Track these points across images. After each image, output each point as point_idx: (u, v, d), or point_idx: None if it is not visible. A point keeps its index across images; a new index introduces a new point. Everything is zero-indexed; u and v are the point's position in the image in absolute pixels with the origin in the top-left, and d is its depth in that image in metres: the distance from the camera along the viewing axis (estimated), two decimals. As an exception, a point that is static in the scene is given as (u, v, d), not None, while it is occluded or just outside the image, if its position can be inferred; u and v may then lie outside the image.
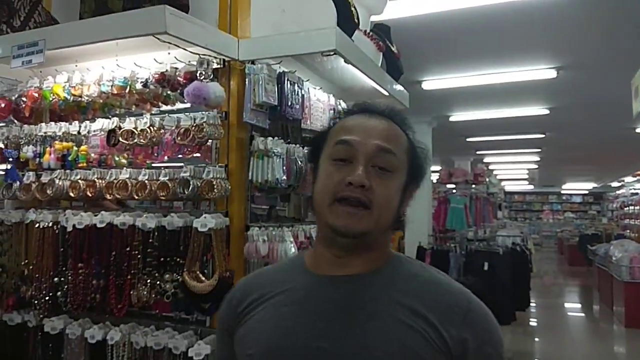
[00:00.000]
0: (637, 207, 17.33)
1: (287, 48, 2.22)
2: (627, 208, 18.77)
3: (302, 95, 2.45)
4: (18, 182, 2.52)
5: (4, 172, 2.61)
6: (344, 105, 2.97)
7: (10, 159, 2.56)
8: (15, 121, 2.64)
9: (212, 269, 2.11)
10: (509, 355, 5.64)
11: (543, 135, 9.56)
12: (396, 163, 0.96)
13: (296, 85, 2.39)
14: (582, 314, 9.29)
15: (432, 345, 0.87)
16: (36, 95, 2.46)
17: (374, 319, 0.90)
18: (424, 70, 5.82)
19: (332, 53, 2.20)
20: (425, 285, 0.95)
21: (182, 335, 2.15)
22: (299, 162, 2.42)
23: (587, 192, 23.57)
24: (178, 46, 2.12)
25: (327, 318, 0.92)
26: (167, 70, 2.23)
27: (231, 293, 1.09)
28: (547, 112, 7.58)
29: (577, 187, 22.84)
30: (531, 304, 7.80)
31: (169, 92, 2.31)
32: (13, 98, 2.53)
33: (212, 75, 2.14)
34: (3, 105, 2.53)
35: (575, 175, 19.02)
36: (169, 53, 2.25)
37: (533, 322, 7.92)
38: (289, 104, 2.33)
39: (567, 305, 10.03)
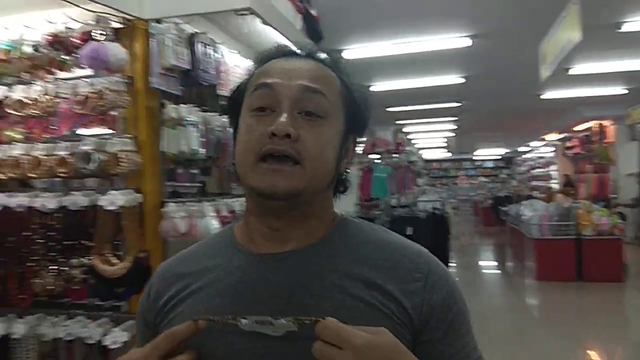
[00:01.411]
0: (543, 170, 18.70)
1: (197, 5, 2.05)
2: (535, 170, 20.22)
3: (217, 59, 2.29)
4: None
5: None
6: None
7: None
8: None
9: (125, 251, 1.95)
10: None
11: (460, 104, 9.92)
12: (327, 106, 0.80)
13: (209, 47, 2.22)
14: (498, 270, 9.91)
15: (393, 319, 0.76)
16: None
17: (322, 299, 0.76)
18: (345, 39, 5.76)
19: (247, 12, 2.06)
20: (377, 251, 0.82)
21: (95, 324, 1.99)
22: (218, 132, 2.28)
23: (499, 157, 25.05)
24: (72, 3, 1.88)
25: (268, 306, 0.76)
26: (60, 31, 1.98)
27: (150, 282, 0.91)
28: (463, 80, 7.82)
29: (489, 153, 24.21)
30: (451, 264, 8.17)
31: (64, 57, 2.06)
32: None
33: (112, 36, 1.92)
34: None
35: (488, 142, 20.09)
36: (63, 13, 2.00)
37: (454, 282, 8.33)
38: (202, 68, 2.17)
39: (482, 262, 10.66)
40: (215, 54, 2.27)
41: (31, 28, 2.06)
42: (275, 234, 0.82)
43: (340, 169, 0.85)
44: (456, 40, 5.70)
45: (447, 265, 6.22)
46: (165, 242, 2.12)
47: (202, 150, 2.12)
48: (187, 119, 2.06)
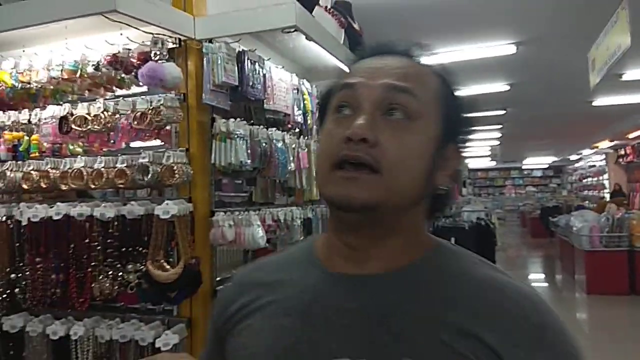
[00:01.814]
0: (595, 179, 17.99)
1: (245, 25, 2.15)
2: (586, 180, 19.48)
3: (264, 75, 2.38)
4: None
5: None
6: (307, 85, 2.91)
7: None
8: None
9: (177, 257, 2.05)
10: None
11: (504, 112, 9.73)
12: (416, 107, 0.69)
13: (257, 64, 2.32)
14: (546, 284, 9.61)
15: None
16: (-21, 82, 2.31)
17: (404, 341, 0.65)
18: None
19: (292, 30, 2.14)
20: (478, 290, 0.67)
21: (148, 327, 2.09)
22: (264, 144, 2.37)
23: (547, 166, 24.27)
24: (130, 25, 2.02)
25: (340, 337, 0.67)
26: (119, 52, 2.13)
27: (223, 288, 0.88)
28: (508, 88, 7.70)
29: (537, 162, 23.50)
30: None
31: (123, 75, 2.21)
32: (-45, 86, 2.37)
33: (167, 56, 2.05)
34: (-54, 94, 2.37)
35: (536, 150, 19.54)
36: (121, 34, 2.14)
37: (500, 294, 8.14)
38: (250, 83, 2.26)
39: (531, 275, 10.35)
40: (262, 70, 2.37)
41: (92, 49, 2.21)
42: (353, 253, 0.71)
43: (435, 183, 0.72)
44: (500, 47, 5.64)
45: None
46: (214, 249, 2.22)
47: (249, 162, 2.20)
48: (236, 132, 2.16)
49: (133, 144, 2.30)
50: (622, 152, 14.43)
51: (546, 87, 7.80)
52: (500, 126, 11.83)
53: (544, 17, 4.88)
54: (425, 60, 0.76)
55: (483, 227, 6.29)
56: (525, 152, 20.29)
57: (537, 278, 10.18)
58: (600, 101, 9.10)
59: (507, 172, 24.75)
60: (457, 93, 0.76)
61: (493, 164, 23.03)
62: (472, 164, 21.34)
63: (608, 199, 12.25)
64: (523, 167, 24.51)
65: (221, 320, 0.80)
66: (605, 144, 14.76)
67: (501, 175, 24.81)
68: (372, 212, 0.67)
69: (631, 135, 12.51)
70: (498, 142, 15.20)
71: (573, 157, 20.72)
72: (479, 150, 17.48)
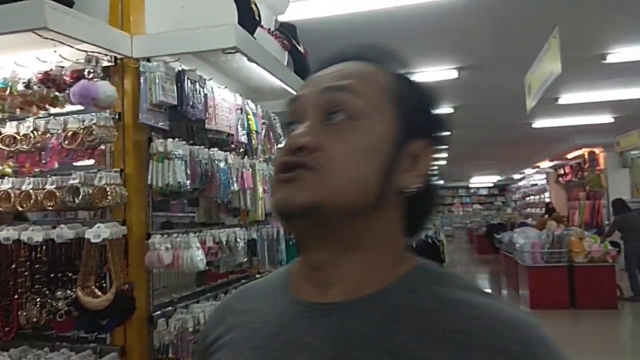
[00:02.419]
0: (537, 197, 18.82)
1: (184, 45, 2.13)
2: (528, 198, 20.34)
3: (205, 95, 2.36)
4: None
5: None
6: (252, 105, 2.91)
7: None
8: None
9: (110, 282, 1.97)
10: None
11: (449, 133, 10.05)
12: (359, 105, 0.64)
13: (197, 83, 2.29)
14: (492, 300, 9.88)
15: None
16: None
17: None
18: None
19: (233, 51, 2.14)
20: (454, 317, 0.58)
21: (79, 356, 1.99)
22: (205, 164, 2.33)
23: (492, 184, 25.22)
24: (63, 43, 1.95)
25: None
26: (51, 70, 2.05)
27: (210, 315, 0.83)
28: (452, 110, 7.98)
29: (483, 181, 24.38)
30: (446, 294, 8.12)
31: (56, 94, 2.13)
32: None
33: (102, 74, 1.99)
34: None
35: (481, 169, 20.28)
36: (54, 51, 2.07)
37: (448, 311, 8.30)
38: (191, 103, 2.23)
39: (478, 292, 10.62)
40: (203, 90, 2.34)
41: (23, 66, 2.12)
42: (316, 274, 0.65)
43: (400, 184, 0.65)
44: (443, 72, 5.85)
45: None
46: (150, 272, 2.15)
47: (188, 183, 2.16)
48: (174, 152, 2.12)
49: (66, 165, 2.21)
50: (562, 171, 15.16)
51: (488, 110, 8.14)
52: (446, 147, 12.19)
53: (484, 43, 5.11)
54: (377, 57, 0.71)
55: (430, 245, 6.41)
56: (471, 171, 21.02)
57: (483, 294, 10.45)
58: (540, 123, 9.58)
59: (455, 190, 25.52)
60: (417, 87, 0.71)
61: (441, 182, 23.67)
62: (421, 182, 21.89)
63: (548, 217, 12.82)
64: (470, 185, 25.34)
65: (201, 348, 0.76)
66: (546, 164, 15.51)
67: (449, 194, 25.55)
68: (316, 215, 0.60)
69: (569, 156, 13.21)
70: (445, 162, 15.64)
71: (516, 176, 21.63)
72: (428, 170, 17.94)
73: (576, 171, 13.63)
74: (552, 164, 15.24)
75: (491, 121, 9.16)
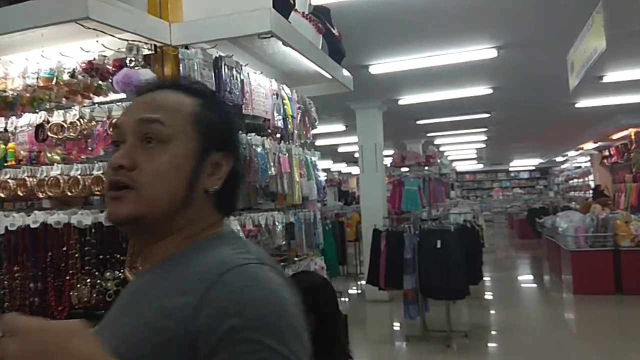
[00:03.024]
0: (581, 180, 18.20)
1: (220, 31, 2.16)
2: (572, 181, 19.69)
3: (242, 80, 2.39)
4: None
5: None
6: (287, 90, 2.93)
7: None
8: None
9: (155, 263, 2.04)
10: (465, 329, 5.80)
11: (488, 115, 9.82)
12: (167, 132, 0.83)
13: (234, 70, 2.33)
14: (534, 284, 9.68)
15: (162, 334, 0.73)
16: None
17: (127, 315, 0.81)
18: (370, 55, 5.84)
19: (268, 35, 2.15)
20: (202, 265, 0.78)
21: (128, 334, 2.08)
22: (242, 149, 2.37)
23: (533, 167, 24.52)
24: (105, 32, 2.01)
25: (110, 317, 0.87)
26: (94, 59, 2.13)
27: None
28: (491, 91, 7.77)
29: (524, 164, 23.72)
30: (485, 278, 8.05)
31: (99, 82, 2.20)
32: None
33: (143, 62, 2.05)
34: None
35: (522, 152, 19.72)
36: (97, 41, 2.14)
37: (488, 295, 8.19)
38: (228, 89, 2.27)
39: (519, 277, 10.43)
40: (240, 75, 2.38)
41: (68, 57, 2.20)
42: (142, 253, 0.90)
43: (204, 186, 0.86)
44: (482, 52, 5.70)
45: (480, 279, 6.03)
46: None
47: (227, 167, 2.21)
48: (213, 137, 2.16)
49: (111, 152, 2.29)
50: (607, 153, 14.60)
51: (529, 90, 7.89)
52: (485, 129, 11.94)
53: (524, 20, 4.95)
54: (182, 88, 0.91)
55: (469, 229, 6.32)
56: (511, 154, 20.48)
57: (525, 279, 10.26)
58: (583, 103, 9.22)
59: (495, 174, 24.98)
60: (215, 110, 0.91)
61: (480, 166, 23.21)
62: (459, 167, 21.49)
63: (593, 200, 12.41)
64: (510, 169, 24.74)
65: None
66: (589, 146, 14.95)
67: (488, 178, 25.04)
68: (139, 223, 0.82)
69: (614, 137, 12.68)
70: (484, 145, 15.33)
71: (559, 159, 20.95)
72: (466, 153, 17.61)
73: (622, 152, 13.08)
74: (596, 145, 14.67)
75: (532, 102, 8.87)
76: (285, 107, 2.84)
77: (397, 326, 6.62)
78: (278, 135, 2.90)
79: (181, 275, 0.78)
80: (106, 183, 0.85)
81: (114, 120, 2.06)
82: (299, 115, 3.07)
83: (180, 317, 0.72)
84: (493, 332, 6.35)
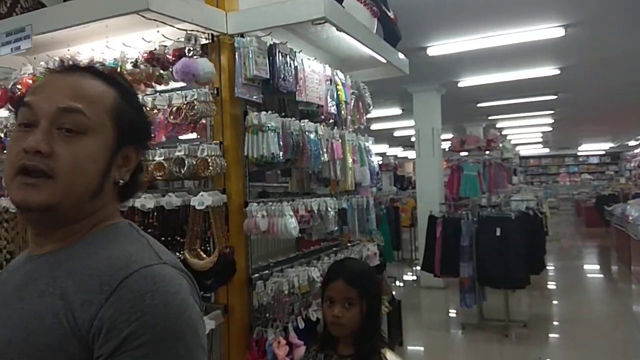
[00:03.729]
0: (656, 165, 17.03)
1: (275, 18, 2.18)
2: (646, 167, 18.45)
3: (295, 67, 2.41)
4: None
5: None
6: (341, 75, 2.92)
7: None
8: (13, 109, 2.64)
9: (213, 246, 2.13)
10: (524, 319, 5.64)
11: (555, 97, 9.34)
12: (87, 123, 0.83)
13: (288, 56, 2.35)
14: (600, 275, 9.23)
15: (63, 329, 0.75)
16: (30, 82, 2.45)
17: (21, 301, 0.80)
18: (428, 36, 5.69)
19: (322, 21, 2.15)
20: (93, 264, 0.79)
21: (187, 313, 2.18)
22: (296, 136, 2.40)
23: (604, 152, 23.15)
24: (164, 23, 2.09)
25: (1, 302, 0.84)
26: (155, 49, 2.21)
27: None
28: (558, 72, 7.38)
29: (593, 148, 22.42)
30: (548, 267, 7.75)
31: (161, 72, 2.29)
32: (9, 86, 2.54)
33: (201, 51, 2.11)
34: (-1, 93, 2.53)
35: (591, 136, 18.63)
36: (157, 31, 2.22)
37: (551, 285, 7.89)
38: (282, 76, 2.30)
39: (584, 266, 9.96)
40: (294, 62, 2.40)
41: (131, 47, 2.30)
42: (37, 239, 0.87)
43: (115, 178, 0.88)
44: (548, 31, 5.41)
45: (542, 268, 5.79)
46: (248, 238, 2.28)
47: (281, 154, 2.24)
48: (267, 124, 2.20)
49: (171, 138, 2.38)
50: (687, 136, 13.56)
51: (599, 70, 7.43)
52: (552, 111, 11.38)
53: (593, -3, 4.65)
54: (103, 77, 0.89)
55: (531, 217, 6.08)
56: (580, 138, 19.40)
57: (591, 269, 9.79)
58: (661, 83, 8.59)
59: (561, 159, 23.77)
60: (132, 103, 0.91)
61: (546, 151, 22.19)
62: (523, 151, 20.65)
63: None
64: (578, 153, 23.47)
65: None
66: (667, 129, 13.92)
67: (555, 163, 23.86)
68: (49, 211, 0.81)
69: (696, 119, 11.74)
70: (550, 128, 14.63)
71: (632, 143, 19.66)
72: (531, 137, 16.87)
73: None
74: (675, 128, 13.66)
75: (602, 82, 8.35)
76: (339, 92, 2.84)
77: (452, 313, 6.53)
78: (331, 121, 2.90)
79: (80, 270, 0.79)
80: (14, 166, 0.81)
81: (174, 109, 2.14)
82: (353, 101, 3.06)
83: (74, 317, 0.74)
84: (554, 323, 6.13)
